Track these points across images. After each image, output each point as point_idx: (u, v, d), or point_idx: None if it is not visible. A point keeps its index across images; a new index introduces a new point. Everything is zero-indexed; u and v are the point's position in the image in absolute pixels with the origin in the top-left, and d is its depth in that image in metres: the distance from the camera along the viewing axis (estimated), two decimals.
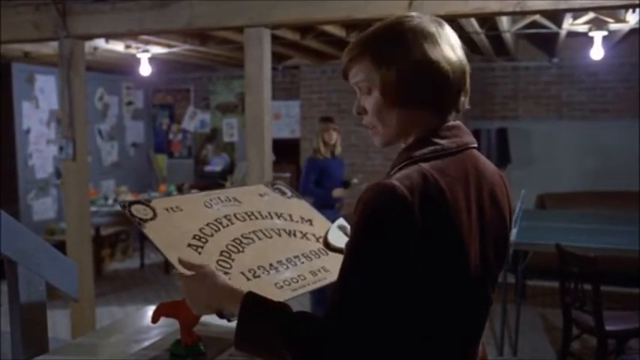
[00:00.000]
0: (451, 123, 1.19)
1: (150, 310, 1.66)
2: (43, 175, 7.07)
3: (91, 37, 4.50)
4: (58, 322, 4.93)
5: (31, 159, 6.89)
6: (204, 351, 1.56)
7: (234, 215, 1.56)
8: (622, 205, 6.09)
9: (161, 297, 5.92)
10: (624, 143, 6.82)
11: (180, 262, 1.27)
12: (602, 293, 3.55)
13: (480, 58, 6.92)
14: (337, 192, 4.70)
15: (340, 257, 1.13)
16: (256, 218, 1.59)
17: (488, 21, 5.13)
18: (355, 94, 1.24)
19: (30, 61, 6.54)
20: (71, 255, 4.20)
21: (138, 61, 6.24)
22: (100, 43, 5.45)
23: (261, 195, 1.71)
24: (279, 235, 1.57)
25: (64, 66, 4.22)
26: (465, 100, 1.20)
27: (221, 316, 1.18)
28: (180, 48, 6.04)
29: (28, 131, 6.83)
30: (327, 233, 1.62)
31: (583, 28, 5.23)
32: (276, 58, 6.81)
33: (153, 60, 6.37)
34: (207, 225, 1.48)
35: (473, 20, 4.77)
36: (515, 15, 4.57)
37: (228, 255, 1.41)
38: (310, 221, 1.67)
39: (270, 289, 1.36)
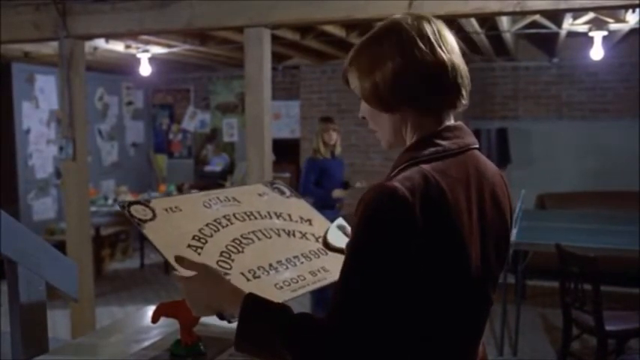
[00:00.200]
0: (453, 124, 1.19)
1: (150, 310, 1.66)
2: (43, 175, 7.07)
3: (91, 37, 4.50)
4: (58, 322, 4.93)
5: (31, 159, 6.89)
6: (204, 351, 1.56)
7: (234, 215, 1.56)
8: (622, 205, 6.09)
9: (161, 297, 5.92)
10: (624, 143, 6.82)
11: (181, 260, 1.27)
12: (602, 293, 3.55)
13: (480, 58, 6.92)
14: (337, 192, 4.70)
15: (340, 257, 1.13)
16: (255, 218, 1.59)
17: (488, 21, 5.13)
18: (355, 95, 1.24)
19: (30, 61, 6.54)
20: (71, 255, 4.20)
21: (138, 61, 6.24)
22: (100, 43, 5.45)
23: (260, 195, 1.71)
24: (279, 235, 1.57)
25: (64, 66, 4.22)
26: (463, 99, 1.19)
27: (221, 317, 1.18)
28: (180, 48, 6.04)
29: (28, 131, 6.84)
30: (326, 233, 1.61)
31: (583, 28, 5.23)
32: (276, 58, 6.81)
33: (153, 60, 6.38)
34: (207, 225, 1.47)
35: (473, 20, 4.77)
36: (515, 15, 4.57)
37: (227, 255, 1.41)
38: (309, 221, 1.67)
39: (270, 289, 1.36)
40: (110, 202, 6.97)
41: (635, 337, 3.82)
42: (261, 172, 3.90)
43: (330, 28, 5.22)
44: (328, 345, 1.03)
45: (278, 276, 1.42)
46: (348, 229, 1.59)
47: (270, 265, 1.44)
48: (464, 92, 1.18)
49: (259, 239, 1.52)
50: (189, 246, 1.39)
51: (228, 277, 1.30)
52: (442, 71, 1.13)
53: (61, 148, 4.30)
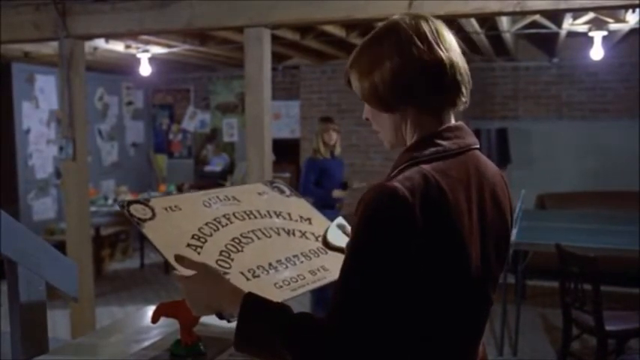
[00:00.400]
0: (453, 124, 1.19)
1: (150, 310, 1.66)
2: (43, 175, 7.07)
3: (91, 37, 4.50)
4: (58, 322, 4.93)
5: (31, 159, 6.89)
6: (204, 351, 1.56)
7: (233, 214, 1.55)
8: (622, 205, 6.09)
9: (161, 297, 5.92)
10: (624, 143, 6.82)
11: (181, 259, 1.27)
12: (602, 293, 3.55)
13: (480, 58, 6.92)
14: (337, 193, 4.70)
15: (339, 256, 1.13)
16: (255, 217, 1.59)
17: (488, 21, 5.13)
18: (355, 95, 1.24)
19: (30, 61, 6.54)
20: (71, 255, 4.20)
21: (138, 61, 6.24)
22: (100, 43, 5.45)
23: (260, 194, 1.71)
24: (278, 234, 1.57)
25: (64, 66, 4.22)
26: (463, 97, 1.19)
27: (221, 316, 1.18)
28: (180, 48, 6.04)
29: (28, 131, 6.83)
30: (326, 232, 1.61)
31: (583, 28, 5.23)
32: (276, 58, 6.81)
33: (153, 60, 6.38)
34: (207, 224, 1.47)
35: (473, 20, 4.77)
36: (515, 15, 4.57)
37: (227, 255, 1.41)
38: (309, 220, 1.67)
39: (270, 289, 1.35)
40: (110, 202, 6.97)
41: (635, 337, 3.82)
42: (261, 172, 3.90)
43: (330, 28, 5.22)
44: (328, 345, 1.03)
45: (278, 275, 1.42)
46: (348, 228, 1.59)
47: (270, 264, 1.44)
48: (464, 90, 1.18)
49: (259, 238, 1.52)
50: (188, 245, 1.38)
51: (227, 277, 1.30)
52: (441, 69, 1.13)
53: (61, 148, 4.30)
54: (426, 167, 1.10)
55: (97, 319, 4.58)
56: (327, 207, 4.35)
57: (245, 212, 1.58)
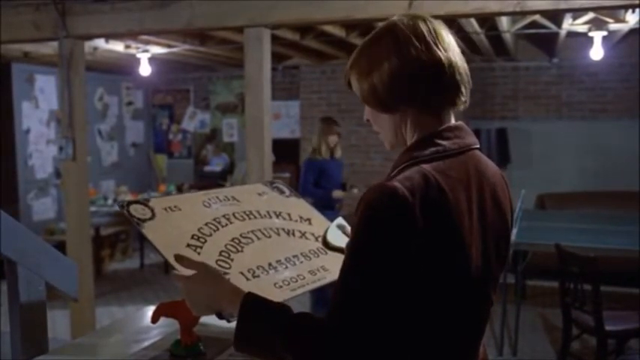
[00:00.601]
0: (453, 124, 1.19)
1: (150, 310, 1.65)
2: (43, 175, 7.07)
3: (90, 37, 4.50)
4: (58, 322, 4.93)
5: (31, 159, 6.89)
6: (204, 351, 1.56)
7: (233, 215, 1.55)
8: (622, 205, 6.09)
9: (161, 297, 5.92)
10: (624, 143, 6.82)
11: (181, 259, 1.27)
12: (602, 293, 3.55)
13: (480, 58, 6.92)
14: (337, 193, 4.69)
15: (339, 257, 1.13)
16: (255, 217, 1.59)
17: (488, 21, 5.13)
18: (356, 96, 1.24)
19: (30, 61, 6.54)
20: (71, 255, 4.20)
21: (138, 61, 6.24)
22: (100, 43, 5.45)
23: (259, 194, 1.71)
24: (278, 234, 1.57)
25: (64, 66, 4.22)
26: (463, 97, 1.18)
27: (220, 316, 1.18)
28: (180, 48, 6.04)
29: (27, 131, 6.84)
30: (326, 232, 1.61)
31: (583, 29, 5.23)
32: (276, 58, 6.81)
33: (153, 60, 6.38)
34: (206, 225, 1.47)
35: (473, 20, 4.77)
36: (515, 15, 4.57)
37: (227, 255, 1.41)
38: (309, 220, 1.67)
39: (270, 289, 1.35)
40: (110, 202, 6.97)
41: (635, 337, 3.82)
42: (261, 172, 3.90)
43: (330, 28, 5.22)
44: (328, 345, 1.03)
45: (277, 275, 1.42)
46: (348, 228, 1.59)
47: (270, 264, 1.44)
48: (463, 90, 1.17)
49: (259, 239, 1.52)
50: (188, 245, 1.38)
51: (227, 277, 1.30)
52: (439, 69, 1.13)
53: (60, 148, 4.30)
54: (426, 167, 1.10)
55: (97, 319, 4.58)
56: (327, 207, 4.35)
57: (245, 212, 1.58)
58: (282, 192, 1.76)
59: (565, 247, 3.80)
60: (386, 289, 1.04)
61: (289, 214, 1.66)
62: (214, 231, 1.47)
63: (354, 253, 1.07)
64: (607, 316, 3.57)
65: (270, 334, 1.07)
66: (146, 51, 6.03)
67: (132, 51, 6.04)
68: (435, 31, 1.15)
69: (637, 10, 4.34)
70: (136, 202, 1.45)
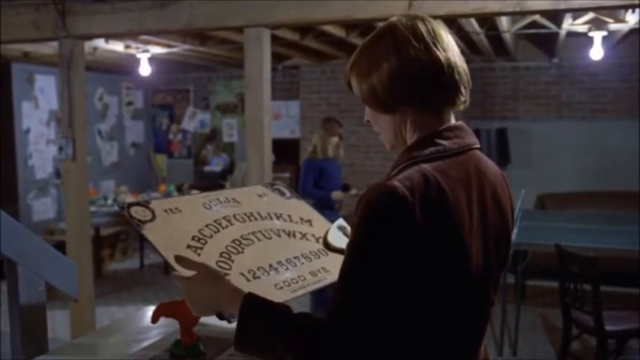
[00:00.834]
0: (454, 123, 1.19)
1: (149, 310, 1.66)
2: (42, 175, 7.07)
3: (90, 37, 4.50)
4: (58, 322, 4.93)
5: (30, 159, 6.89)
6: (204, 351, 1.56)
7: (234, 216, 1.55)
8: (622, 205, 6.09)
9: (160, 297, 5.92)
10: (624, 143, 6.82)
11: (181, 260, 1.27)
12: (602, 293, 3.55)
13: (480, 58, 6.92)
14: (337, 194, 4.69)
15: (340, 257, 1.12)
16: (256, 219, 1.59)
17: (488, 21, 5.13)
18: (355, 96, 1.24)
19: (30, 61, 6.54)
20: (71, 255, 4.20)
21: (138, 61, 6.24)
22: (100, 43, 5.45)
23: (260, 196, 1.71)
24: (279, 235, 1.57)
25: (64, 66, 4.22)
26: (462, 97, 1.18)
27: (221, 317, 1.18)
28: (180, 48, 6.04)
29: (27, 131, 6.83)
30: (326, 233, 1.61)
31: (583, 29, 5.23)
32: (276, 58, 6.82)
33: (153, 60, 6.37)
34: (207, 226, 1.47)
35: (473, 20, 4.77)
36: (515, 15, 4.57)
37: (227, 256, 1.41)
38: (310, 222, 1.67)
39: (270, 290, 1.35)
40: (110, 202, 6.97)
41: (635, 337, 3.82)
42: (260, 173, 3.90)
43: (330, 28, 5.22)
44: (328, 345, 1.03)
45: (278, 276, 1.42)
46: (349, 229, 1.59)
47: (270, 265, 1.44)
48: (463, 90, 1.17)
49: (259, 240, 1.52)
50: (188, 246, 1.38)
51: (227, 278, 1.30)
52: (438, 69, 1.13)
53: (60, 148, 4.30)
54: (426, 167, 1.10)
55: (97, 319, 4.58)
56: (327, 208, 4.35)
57: (245, 214, 1.58)
58: (282, 194, 1.76)
59: (565, 247, 3.80)
60: (386, 289, 1.04)
61: (290, 216, 1.66)
62: (215, 232, 1.47)
63: (353, 253, 1.07)
64: (607, 316, 3.57)
65: (270, 334, 1.07)
66: (146, 51, 6.03)
67: (132, 51, 6.04)
68: (434, 32, 1.15)
69: (637, 10, 4.34)
70: (137, 204, 1.45)
